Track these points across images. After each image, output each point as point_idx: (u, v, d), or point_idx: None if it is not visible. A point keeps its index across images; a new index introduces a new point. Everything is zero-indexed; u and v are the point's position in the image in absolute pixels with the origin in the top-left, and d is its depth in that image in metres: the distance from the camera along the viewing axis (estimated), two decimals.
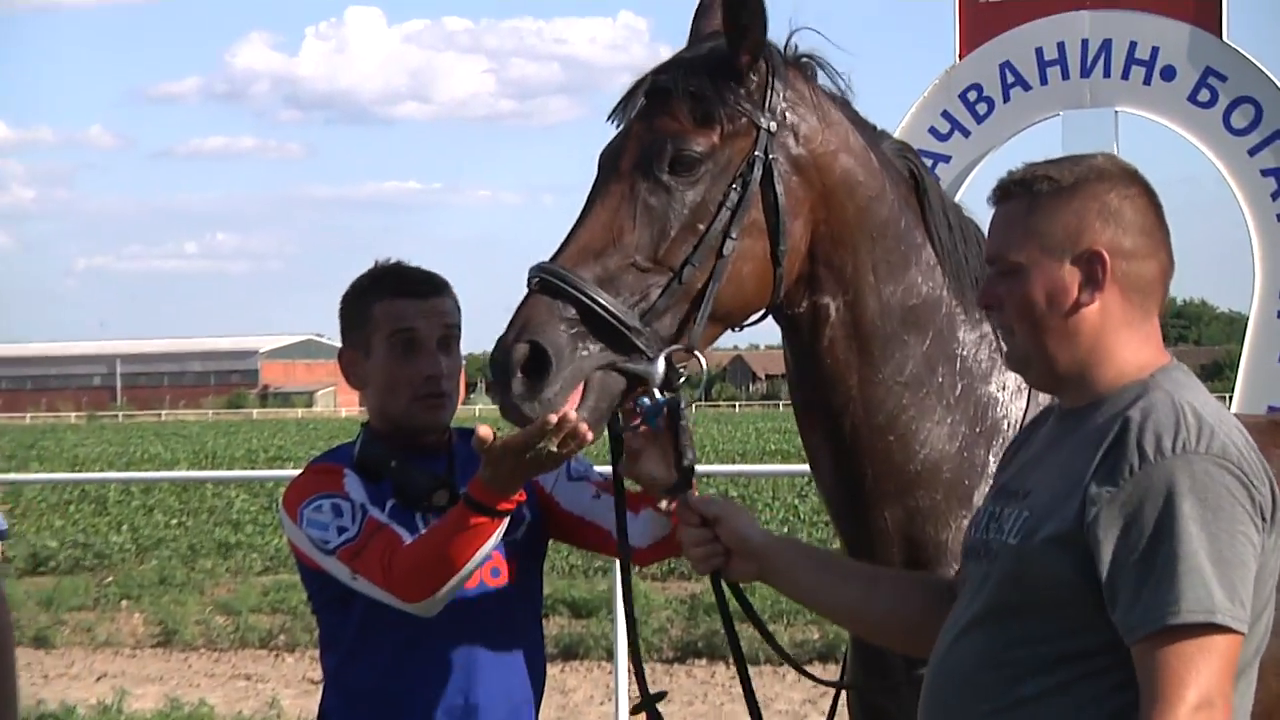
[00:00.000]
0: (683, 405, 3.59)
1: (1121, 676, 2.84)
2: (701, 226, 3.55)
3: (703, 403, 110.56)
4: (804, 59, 3.82)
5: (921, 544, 3.83)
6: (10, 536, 21.16)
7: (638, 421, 3.59)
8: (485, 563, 3.75)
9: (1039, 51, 8.75)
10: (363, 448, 4.06)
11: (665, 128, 3.60)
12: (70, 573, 20.38)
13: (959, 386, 3.85)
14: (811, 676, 4.12)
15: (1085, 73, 8.66)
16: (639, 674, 3.87)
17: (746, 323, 3.78)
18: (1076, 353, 3.02)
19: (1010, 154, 8.96)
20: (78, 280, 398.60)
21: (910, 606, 3.45)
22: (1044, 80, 8.77)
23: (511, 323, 3.44)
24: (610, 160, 3.65)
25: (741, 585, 3.78)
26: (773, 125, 3.64)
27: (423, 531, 3.84)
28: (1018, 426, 3.87)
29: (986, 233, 3.18)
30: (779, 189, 3.62)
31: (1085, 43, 8.65)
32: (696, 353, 3.56)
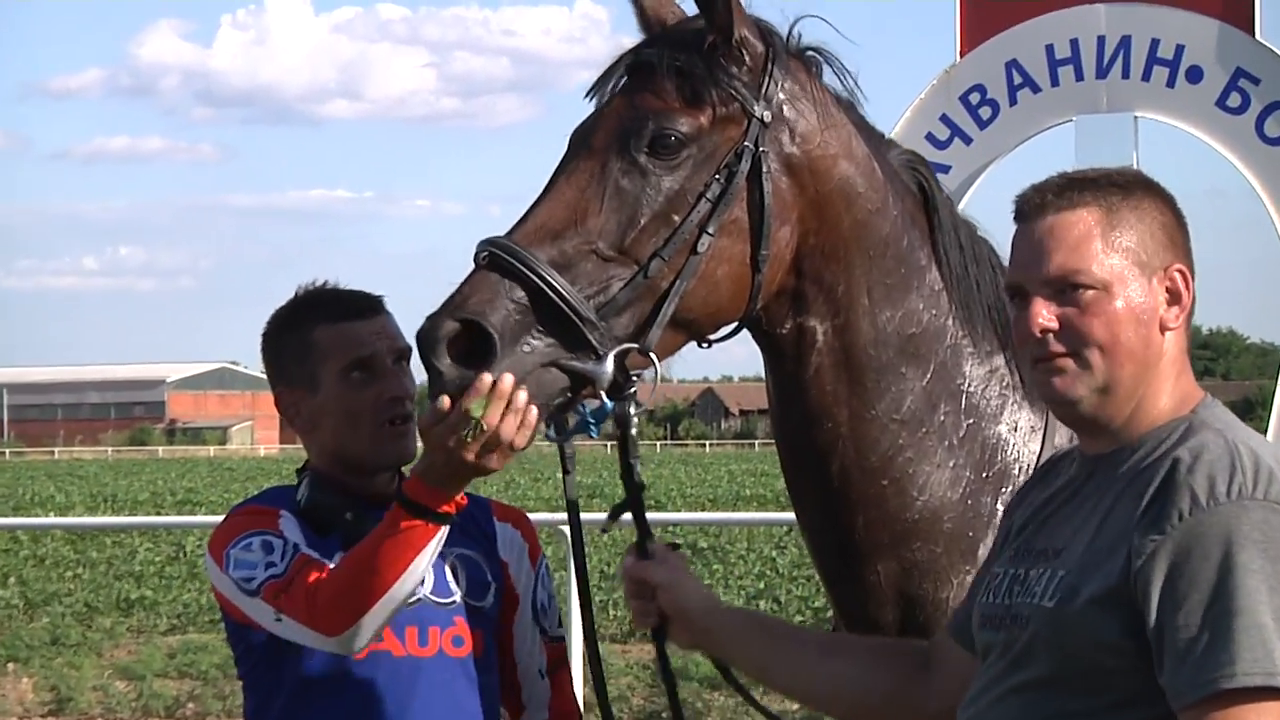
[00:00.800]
0: (631, 410, 3.56)
1: None
2: (676, 217, 3.54)
3: (668, 441, 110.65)
4: (809, 51, 3.82)
5: (919, 602, 3.82)
6: None
7: (573, 428, 3.56)
8: (418, 581, 3.68)
9: (1050, 49, 8.81)
10: (311, 494, 4.01)
11: (648, 104, 3.60)
12: None
13: (964, 426, 3.84)
14: None
15: (1101, 73, 8.73)
16: None
17: (715, 336, 3.76)
18: (1140, 382, 3.00)
19: (1017, 164, 9.01)
20: None
21: (882, 679, 3.43)
22: (1055, 81, 8.83)
23: (449, 298, 3.40)
24: (582, 136, 3.65)
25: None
26: (767, 115, 3.64)
27: None
28: (1030, 471, 3.85)
29: (1025, 246, 3.08)
30: (767, 187, 3.62)
31: (1102, 40, 8.71)
32: (652, 354, 3.53)
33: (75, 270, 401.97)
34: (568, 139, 3.70)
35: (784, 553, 24.57)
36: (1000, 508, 3.80)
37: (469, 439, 3.36)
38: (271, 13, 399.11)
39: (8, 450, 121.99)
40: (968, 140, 8.98)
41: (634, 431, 3.61)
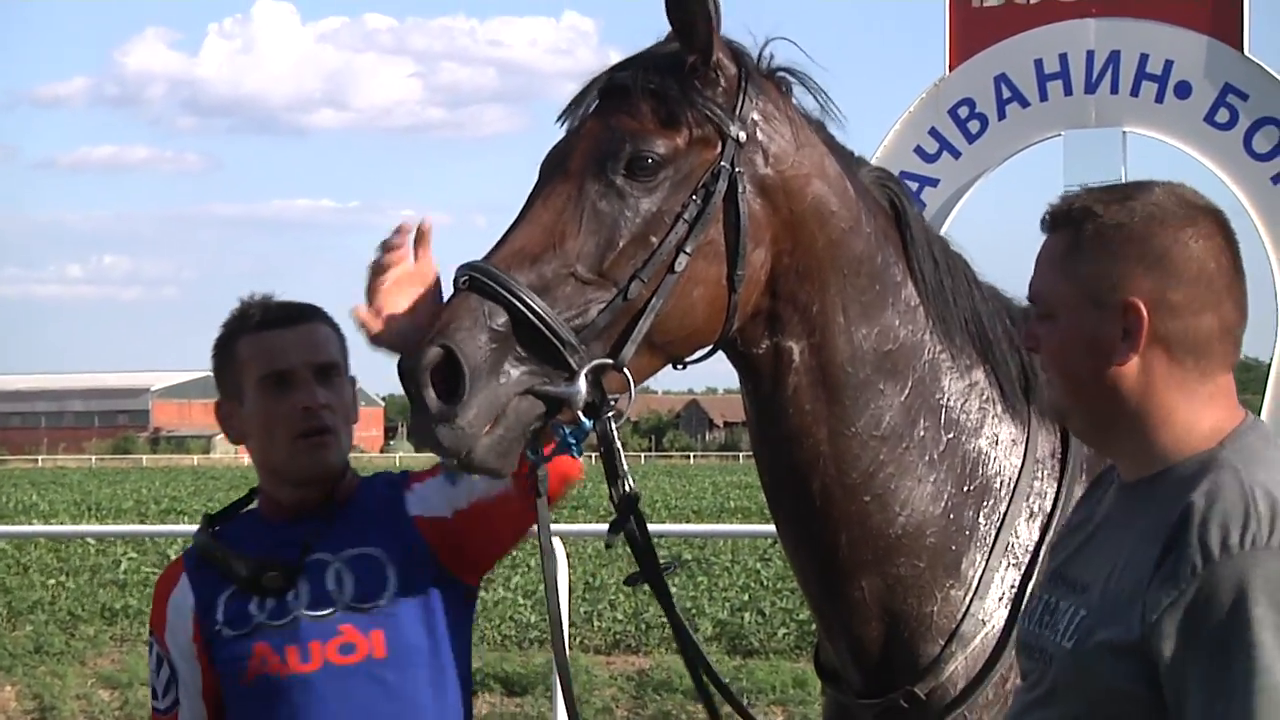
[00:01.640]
0: (613, 428, 3.55)
1: None
2: (654, 239, 3.55)
3: (653, 453, 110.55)
4: (781, 71, 3.84)
5: (903, 617, 3.84)
6: None
7: (551, 450, 3.56)
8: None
9: (1039, 63, 8.81)
10: (204, 542, 4.17)
11: (624, 126, 3.60)
12: None
13: (944, 441, 3.86)
14: None
15: (1090, 88, 8.73)
16: None
17: (691, 358, 3.77)
18: (1118, 413, 2.92)
19: (1006, 177, 9.02)
20: None
21: None
22: (1044, 96, 8.84)
23: (432, 323, 3.43)
24: (557, 159, 3.65)
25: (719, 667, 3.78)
26: (742, 136, 3.65)
27: (256, 624, 4.00)
28: (1012, 484, 3.88)
29: (1034, 264, 3.06)
30: (743, 208, 3.63)
31: (1090, 54, 8.72)
32: (626, 371, 3.53)
33: (60, 278, 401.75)
34: (540, 163, 3.70)
35: (768, 565, 24.56)
36: (983, 521, 3.85)
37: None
38: (258, 22, 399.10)
39: None
40: (956, 154, 8.97)
41: (619, 445, 3.61)
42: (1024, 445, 3.93)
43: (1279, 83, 8.45)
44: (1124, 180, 7.84)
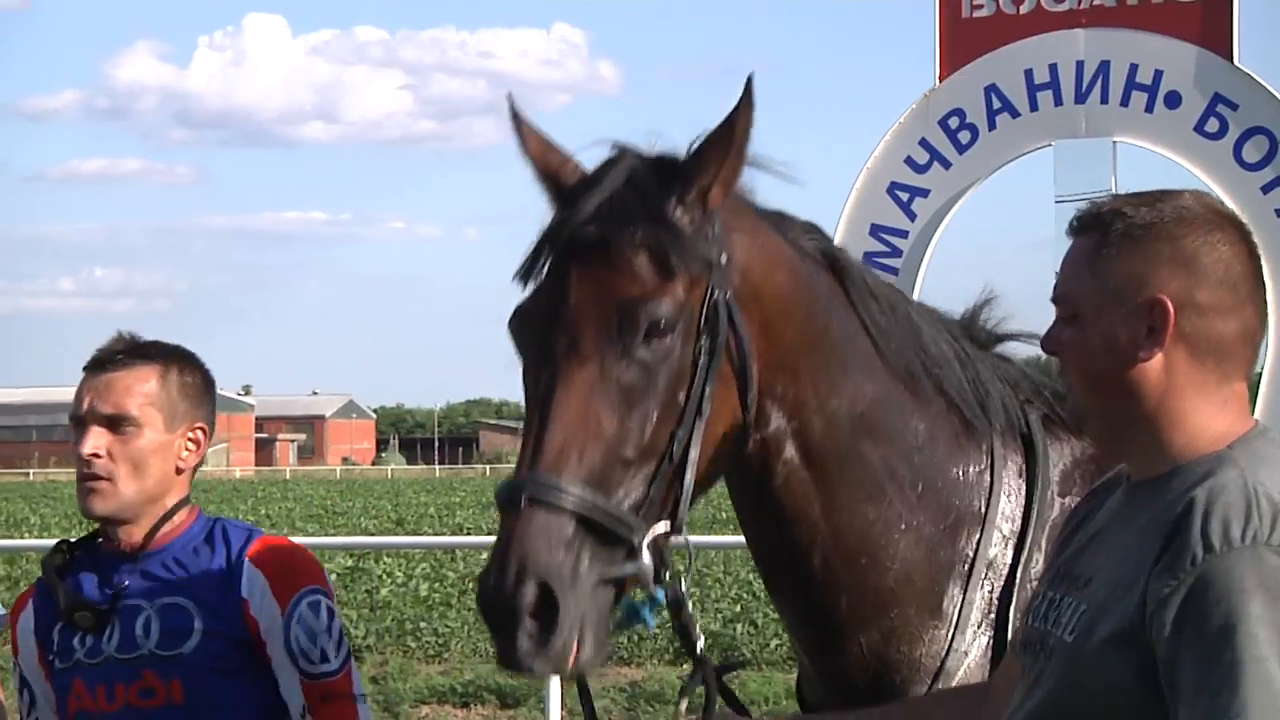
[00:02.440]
0: (684, 595, 3.53)
1: None
2: (681, 395, 3.44)
3: None
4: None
5: (895, 665, 3.84)
6: None
7: (623, 623, 3.52)
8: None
9: (1029, 74, 8.83)
10: (50, 559, 4.34)
11: (624, 291, 3.42)
12: None
13: (920, 484, 3.84)
14: None
15: (1080, 98, 8.75)
16: None
17: None
18: (1137, 413, 2.96)
19: (996, 188, 9.03)
20: None
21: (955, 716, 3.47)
22: (1034, 106, 8.86)
23: (502, 554, 3.27)
24: (553, 334, 3.45)
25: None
26: (723, 258, 3.53)
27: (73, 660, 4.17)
28: (982, 512, 3.88)
29: (1059, 268, 3.10)
30: (740, 329, 3.53)
31: (1080, 64, 8.73)
32: (684, 535, 3.48)
33: (51, 291, 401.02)
34: (519, 331, 3.54)
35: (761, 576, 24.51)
36: (958, 555, 3.85)
37: None
38: (249, 34, 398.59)
39: None
40: (946, 164, 8.98)
41: (691, 613, 3.58)
42: (989, 470, 3.92)
43: (1269, 93, 8.47)
44: (1114, 191, 7.87)
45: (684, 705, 3.66)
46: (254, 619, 4.12)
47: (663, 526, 3.44)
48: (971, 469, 3.91)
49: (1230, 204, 8.29)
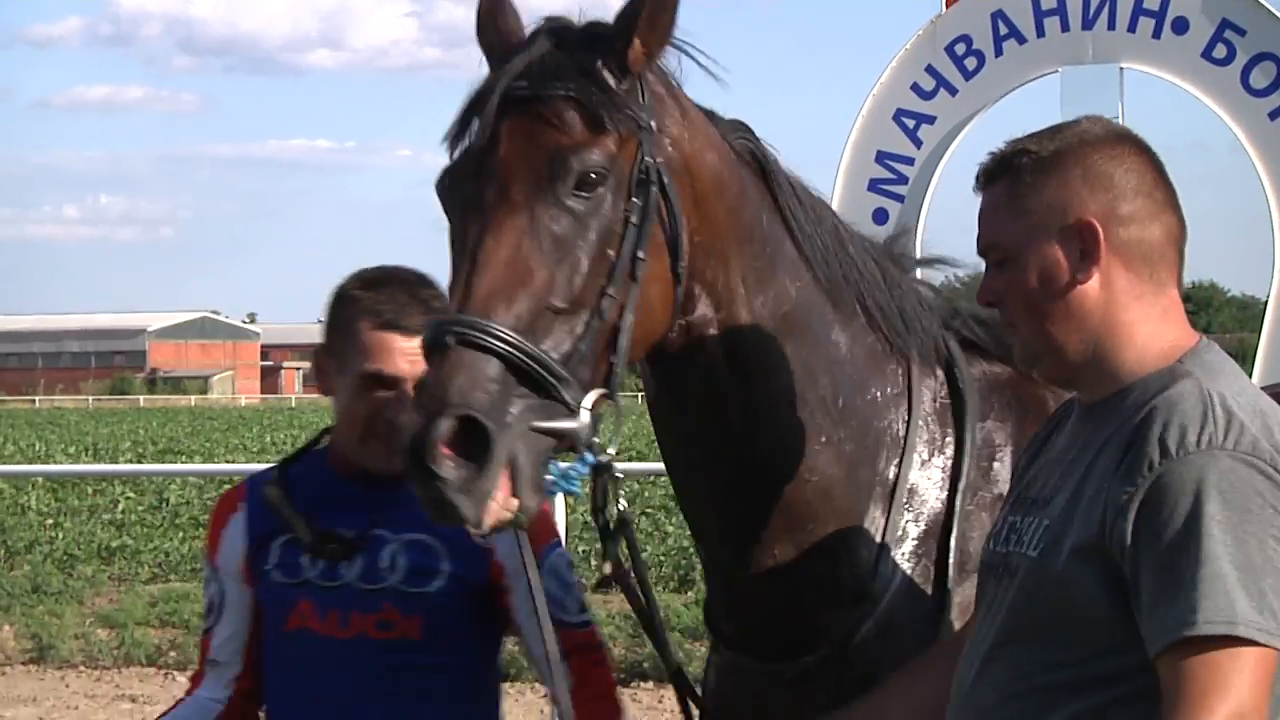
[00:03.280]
0: (613, 460, 3.50)
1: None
2: (611, 252, 3.43)
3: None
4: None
5: (814, 582, 3.82)
6: None
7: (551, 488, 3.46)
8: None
9: (1035, 0, 8.79)
10: (275, 490, 4.22)
11: (557, 142, 3.43)
12: None
13: (840, 398, 3.83)
14: None
15: (1087, 24, 8.72)
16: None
17: None
18: (1085, 335, 3.03)
19: (1002, 114, 8.99)
20: None
21: None
22: (1041, 32, 8.82)
23: (425, 389, 3.27)
24: (483, 186, 3.45)
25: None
26: (653, 124, 3.54)
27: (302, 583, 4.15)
28: (901, 436, 3.88)
29: (977, 222, 3.16)
30: (672, 196, 3.53)
31: None
32: (616, 398, 3.45)
33: (56, 219, 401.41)
34: (448, 188, 3.53)
35: None
36: (878, 477, 3.85)
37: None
38: None
39: None
40: (953, 91, 8.96)
41: (619, 477, 3.55)
42: (908, 394, 3.92)
43: (1276, 18, 8.44)
44: (1121, 116, 7.84)
45: (607, 566, 3.70)
46: (499, 564, 4.11)
47: (603, 391, 3.41)
48: (889, 389, 3.91)
49: (1237, 130, 8.36)
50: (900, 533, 3.86)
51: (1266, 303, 8.49)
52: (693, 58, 3.67)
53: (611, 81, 3.50)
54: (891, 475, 3.88)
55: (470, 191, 3.46)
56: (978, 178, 3.15)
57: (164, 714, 4.35)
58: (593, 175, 3.41)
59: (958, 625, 3.75)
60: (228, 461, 35.32)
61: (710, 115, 3.80)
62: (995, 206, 3.09)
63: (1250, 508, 2.82)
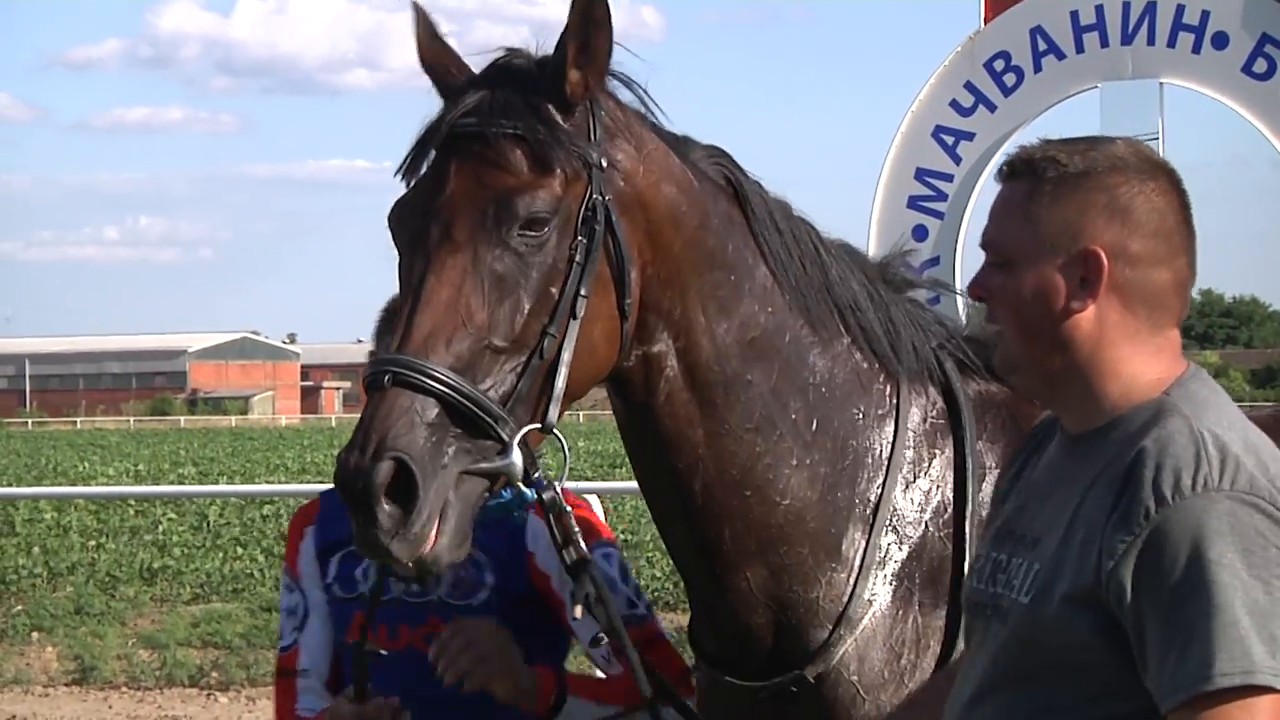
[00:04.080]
0: (558, 492, 3.51)
1: None
2: (554, 290, 3.46)
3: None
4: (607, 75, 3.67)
5: (789, 604, 3.82)
6: None
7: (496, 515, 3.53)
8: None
9: (1074, 15, 8.78)
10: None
11: (502, 183, 3.46)
12: None
13: (814, 421, 3.82)
14: None
15: (1127, 39, 8.69)
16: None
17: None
18: (1068, 362, 2.95)
19: (1042, 130, 8.95)
20: None
21: None
22: (1080, 48, 8.81)
23: (362, 431, 3.30)
24: (428, 224, 3.48)
25: None
26: (603, 161, 3.55)
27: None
28: (884, 457, 3.86)
29: (988, 213, 3.08)
30: (620, 234, 3.54)
31: (1127, 6, 8.68)
32: (556, 433, 3.48)
33: (96, 240, 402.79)
34: (398, 223, 3.56)
35: None
36: (858, 499, 3.83)
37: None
38: None
39: (30, 420, 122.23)
40: (992, 107, 8.95)
41: (568, 509, 3.57)
42: (894, 414, 3.89)
43: None
44: (1161, 131, 7.81)
45: (579, 610, 3.71)
46: (543, 573, 4.14)
47: (535, 425, 3.43)
48: (875, 410, 3.89)
49: (1277, 144, 8.31)
50: (883, 554, 3.84)
51: None
52: (637, 88, 3.72)
53: (559, 118, 3.52)
54: (873, 497, 3.86)
55: (417, 228, 3.50)
56: (1000, 169, 3.07)
57: None
58: (538, 215, 3.44)
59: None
60: (268, 482, 35.30)
61: (682, 142, 3.81)
62: (1009, 207, 3.00)
63: (1253, 549, 2.72)
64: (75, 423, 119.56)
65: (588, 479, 29.05)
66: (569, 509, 3.59)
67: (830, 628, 3.80)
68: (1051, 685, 2.88)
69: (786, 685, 3.82)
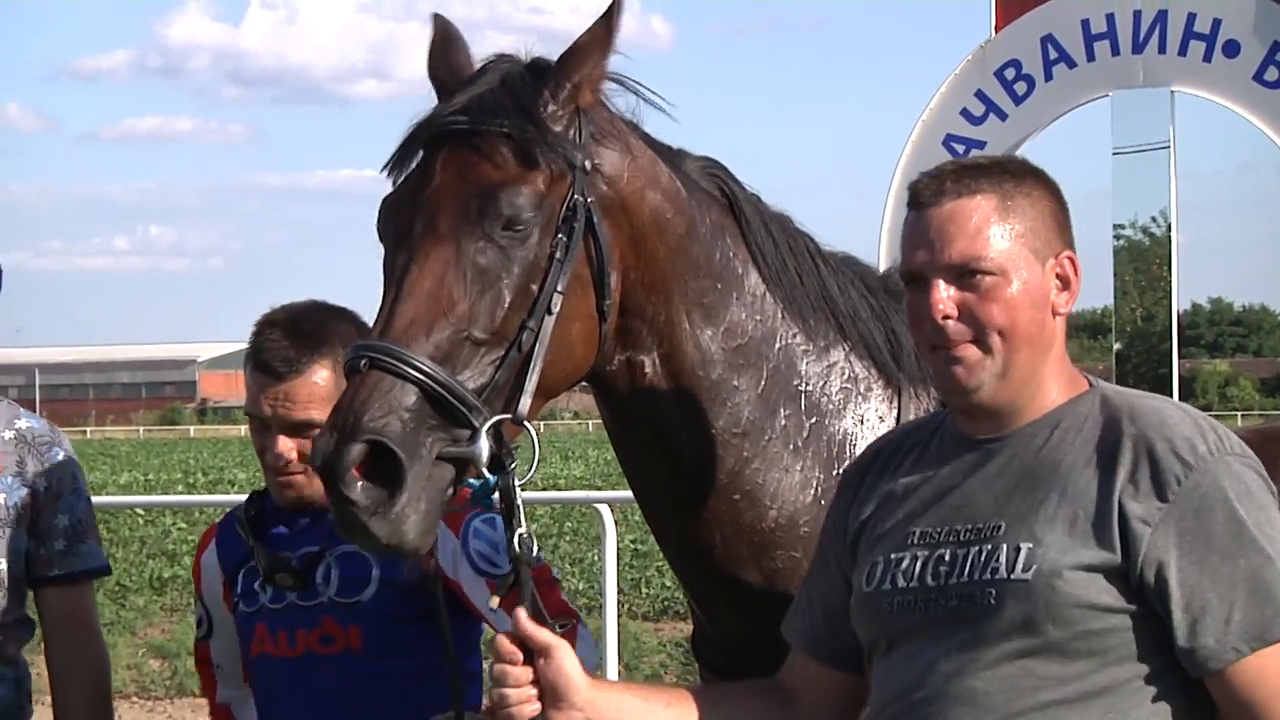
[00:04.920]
0: (515, 483, 3.49)
1: (1178, 705, 2.96)
2: (534, 286, 3.47)
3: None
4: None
5: (785, 607, 3.74)
6: None
7: (466, 504, 3.56)
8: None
9: (1085, 24, 8.77)
10: (245, 509, 4.44)
11: (486, 177, 3.49)
12: None
13: (806, 427, 3.83)
14: None
15: (1138, 48, 8.68)
16: None
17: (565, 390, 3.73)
18: (1037, 365, 3.10)
19: (1053, 139, 8.97)
20: None
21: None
22: (1091, 56, 8.80)
23: (339, 412, 3.33)
24: (413, 217, 3.53)
25: None
26: (587, 164, 3.57)
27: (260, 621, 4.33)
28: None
29: (923, 232, 3.14)
30: (600, 236, 3.56)
31: (1138, 14, 8.67)
32: (526, 424, 3.48)
33: (106, 250, 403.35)
34: (384, 217, 3.60)
35: None
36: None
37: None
38: None
39: None
40: (1003, 116, 8.94)
41: (520, 501, 3.52)
42: (894, 420, 3.90)
43: None
44: (1171, 139, 7.78)
45: (495, 601, 3.64)
46: (437, 560, 4.16)
47: (505, 415, 3.43)
48: (870, 419, 3.90)
49: None
50: None
51: None
52: (640, 94, 3.74)
53: (548, 119, 3.55)
54: None
55: (402, 221, 3.53)
56: (934, 185, 3.16)
57: None
58: (520, 211, 3.47)
59: None
60: None
61: (675, 153, 3.84)
62: (985, 220, 3.09)
63: (1264, 503, 2.96)
64: (85, 432, 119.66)
65: (598, 488, 29.08)
66: (520, 503, 3.51)
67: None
68: (1063, 656, 2.97)
69: None
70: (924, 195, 3.14)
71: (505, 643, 3.34)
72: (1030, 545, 2.98)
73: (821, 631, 3.37)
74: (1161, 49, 8.62)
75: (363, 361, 3.34)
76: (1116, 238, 9.77)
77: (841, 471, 3.61)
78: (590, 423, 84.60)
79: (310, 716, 4.24)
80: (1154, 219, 9.68)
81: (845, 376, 3.89)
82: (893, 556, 3.17)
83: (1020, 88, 8.88)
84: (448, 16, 3.81)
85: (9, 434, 4.62)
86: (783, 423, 3.80)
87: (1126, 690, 2.95)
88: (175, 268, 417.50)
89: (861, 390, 3.91)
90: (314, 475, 4.00)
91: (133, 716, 14.94)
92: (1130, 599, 2.93)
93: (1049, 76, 8.84)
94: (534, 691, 3.32)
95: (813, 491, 3.81)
